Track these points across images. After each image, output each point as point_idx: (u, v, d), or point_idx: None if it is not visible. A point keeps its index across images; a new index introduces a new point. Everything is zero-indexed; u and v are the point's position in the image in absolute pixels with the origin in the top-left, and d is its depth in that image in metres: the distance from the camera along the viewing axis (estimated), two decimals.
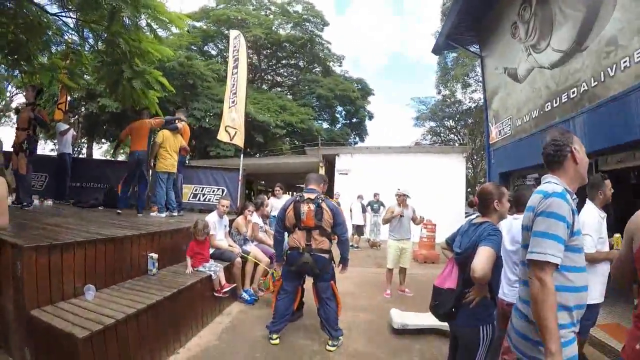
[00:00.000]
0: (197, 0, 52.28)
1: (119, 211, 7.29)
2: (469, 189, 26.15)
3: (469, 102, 32.71)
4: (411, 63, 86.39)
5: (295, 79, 36.42)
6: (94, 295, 3.91)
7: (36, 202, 7.95)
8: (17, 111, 7.33)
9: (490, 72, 12.09)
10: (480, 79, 14.67)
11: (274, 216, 8.27)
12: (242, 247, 6.72)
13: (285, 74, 37.45)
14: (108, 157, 37.76)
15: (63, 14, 7.50)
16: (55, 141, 26.88)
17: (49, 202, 8.34)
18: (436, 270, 9.03)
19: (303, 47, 32.69)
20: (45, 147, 31.46)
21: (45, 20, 7.40)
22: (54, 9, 7.66)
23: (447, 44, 13.68)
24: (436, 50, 14.95)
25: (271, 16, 33.86)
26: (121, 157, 36.35)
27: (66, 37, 8.13)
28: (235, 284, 6.06)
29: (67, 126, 8.84)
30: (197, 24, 30.73)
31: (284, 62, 35.71)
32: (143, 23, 7.05)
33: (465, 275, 2.78)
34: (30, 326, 3.39)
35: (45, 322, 3.28)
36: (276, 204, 8.98)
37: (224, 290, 5.61)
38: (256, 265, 6.65)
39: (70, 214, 6.68)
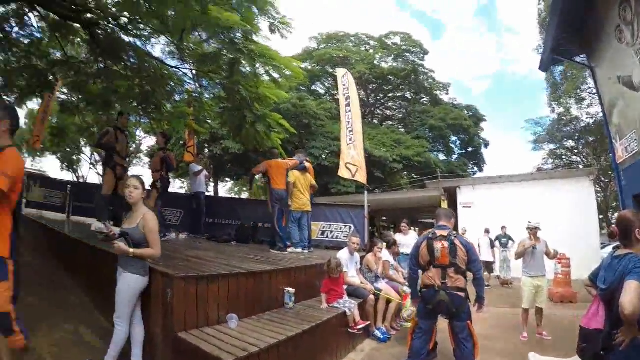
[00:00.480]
0: (299, 43, 54.80)
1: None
2: (601, 216, 23.70)
3: (587, 117, 29.38)
4: (516, 81, 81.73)
5: (404, 111, 36.25)
6: (236, 324, 4.17)
7: (172, 235, 8.78)
8: (152, 155, 8.23)
9: (603, 83, 10.76)
10: (594, 91, 13.41)
11: (402, 253, 8.25)
12: (374, 285, 6.71)
13: (394, 107, 37.46)
14: (233, 195, 40.67)
15: (182, 66, 8.31)
16: (184, 180, 29.65)
17: (184, 235, 9.15)
18: (574, 310, 8.33)
19: (407, 78, 32.65)
20: (174, 185, 34.38)
21: (166, 72, 8.31)
22: (169, 60, 8.66)
23: (553, 59, 12.61)
24: (542, 67, 13.92)
25: (371, 51, 34.35)
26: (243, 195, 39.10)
27: (187, 87, 8.99)
28: (369, 322, 6.02)
29: (200, 167, 9.71)
30: (303, 65, 31.89)
31: (390, 95, 35.84)
32: (260, 69, 7.50)
33: (612, 314, 2.57)
34: (177, 347, 3.71)
35: (192, 344, 3.57)
36: (403, 240, 8.92)
37: (358, 327, 5.61)
38: (388, 302, 6.58)
39: (207, 248, 7.28)
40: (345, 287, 6.08)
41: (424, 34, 79.93)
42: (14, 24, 8.53)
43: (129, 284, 3.78)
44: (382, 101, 36.70)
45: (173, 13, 6.11)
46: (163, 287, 3.94)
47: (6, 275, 2.79)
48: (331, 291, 5.69)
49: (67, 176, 29.49)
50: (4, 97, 9.46)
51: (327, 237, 9.92)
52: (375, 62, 32.92)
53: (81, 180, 28.21)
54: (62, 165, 29.95)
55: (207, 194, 10.69)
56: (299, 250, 7.79)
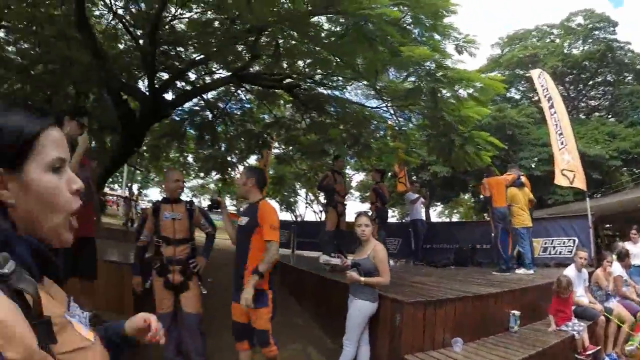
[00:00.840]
0: (482, 52, 52.24)
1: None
2: None
3: None
4: None
5: (610, 97, 31.45)
6: (461, 348, 4.29)
7: (391, 262, 9.21)
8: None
9: None
10: None
11: (634, 265, 7.37)
12: (604, 304, 6.07)
13: (598, 95, 32.81)
14: (443, 218, 40.87)
15: (382, 105, 8.81)
16: (394, 209, 30.67)
17: (402, 262, 9.56)
18: None
19: (603, 59, 28.44)
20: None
21: (367, 113, 8.96)
22: (367, 101, 9.47)
23: None
24: None
25: (557, 40, 31.30)
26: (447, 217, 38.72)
27: (389, 122, 9.48)
28: (599, 346, 5.44)
29: (417, 195, 10.09)
30: (492, 74, 30.48)
31: (590, 83, 31.48)
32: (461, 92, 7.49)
33: None
34: None
35: None
36: (633, 250, 7.82)
37: (587, 352, 5.12)
38: (620, 325, 5.88)
39: (428, 273, 7.55)
40: (572, 307, 5.62)
41: (603, 3, 67.91)
42: (227, 101, 10.69)
43: (360, 310, 4.16)
44: (584, 92, 32.49)
45: (362, 62, 6.53)
46: (392, 312, 4.27)
47: (266, 302, 3.63)
48: (559, 312, 5.35)
49: (286, 216, 33.29)
50: (228, 159, 11.62)
51: (549, 253, 9.08)
52: (565, 51, 29.78)
53: (299, 219, 31.58)
54: (280, 207, 33.81)
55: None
56: (531, 272, 7.42)
